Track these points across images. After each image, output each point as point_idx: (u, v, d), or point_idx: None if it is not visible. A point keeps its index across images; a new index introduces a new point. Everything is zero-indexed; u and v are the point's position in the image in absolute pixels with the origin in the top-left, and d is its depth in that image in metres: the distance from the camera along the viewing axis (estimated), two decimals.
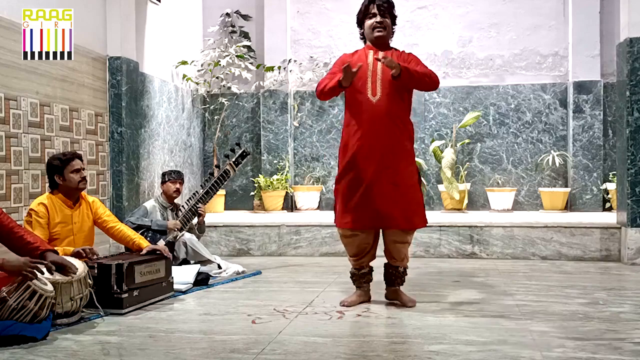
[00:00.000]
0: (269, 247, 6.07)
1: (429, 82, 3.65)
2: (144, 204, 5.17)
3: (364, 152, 3.61)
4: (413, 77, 3.55)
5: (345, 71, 3.49)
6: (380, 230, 3.76)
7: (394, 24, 3.82)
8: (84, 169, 4.04)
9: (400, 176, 3.62)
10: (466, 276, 4.80)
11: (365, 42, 3.85)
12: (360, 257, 3.78)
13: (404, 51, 3.81)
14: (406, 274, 3.83)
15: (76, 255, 3.68)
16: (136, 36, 6.13)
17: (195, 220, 5.10)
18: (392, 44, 3.87)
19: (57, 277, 3.22)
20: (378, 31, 3.72)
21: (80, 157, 4.05)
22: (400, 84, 3.59)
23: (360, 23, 3.84)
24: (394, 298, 3.78)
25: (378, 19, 3.72)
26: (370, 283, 3.86)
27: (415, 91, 3.82)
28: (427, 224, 3.80)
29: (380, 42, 3.74)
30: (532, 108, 7.63)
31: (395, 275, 3.77)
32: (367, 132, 3.60)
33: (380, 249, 3.84)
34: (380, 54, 3.64)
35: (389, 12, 3.76)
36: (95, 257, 3.77)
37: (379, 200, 3.59)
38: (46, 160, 4.15)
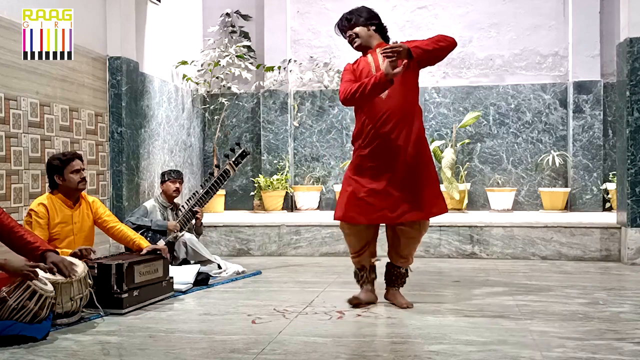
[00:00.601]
0: (269, 247, 6.07)
1: (445, 45, 3.55)
2: (144, 203, 5.17)
3: (383, 148, 3.59)
4: (427, 50, 3.48)
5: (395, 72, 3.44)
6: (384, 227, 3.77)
7: (370, 24, 3.77)
8: (83, 170, 4.03)
9: (422, 165, 3.63)
10: (466, 276, 4.80)
11: None
12: (363, 251, 3.74)
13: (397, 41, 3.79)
14: (407, 276, 3.82)
15: (73, 256, 3.67)
16: (136, 36, 6.13)
17: (193, 222, 5.10)
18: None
19: (58, 277, 3.22)
20: (354, 43, 3.79)
21: (80, 158, 4.04)
22: (417, 65, 3.58)
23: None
24: (392, 299, 3.76)
25: (347, 33, 3.81)
26: (375, 282, 3.84)
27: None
28: (447, 210, 3.78)
29: (364, 51, 3.78)
30: (532, 108, 7.63)
31: (396, 275, 3.77)
32: (383, 129, 3.58)
33: (382, 249, 3.84)
34: (378, 51, 3.66)
35: (355, 21, 3.77)
36: (93, 256, 3.77)
37: (399, 193, 3.58)
38: (46, 160, 4.14)
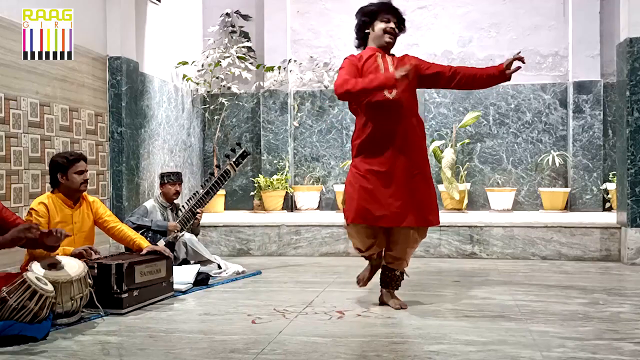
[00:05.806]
0: (269, 247, 6.07)
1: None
2: (144, 203, 5.17)
3: (387, 150, 3.58)
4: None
5: (404, 75, 3.45)
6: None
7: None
8: (86, 171, 4.02)
9: (421, 172, 3.63)
10: (466, 276, 4.80)
11: (359, 44, 3.82)
12: (371, 249, 3.72)
13: (407, 55, 3.80)
14: (402, 278, 3.78)
15: (77, 255, 3.68)
16: (136, 36, 6.13)
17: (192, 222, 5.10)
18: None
19: (58, 275, 3.22)
20: (390, 37, 3.69)
21: (85, 159, 4.01)
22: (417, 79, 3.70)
23: (369, 23, 3.73)
24: (386, 300, 3.73)
25: (392, 25, 3.68)
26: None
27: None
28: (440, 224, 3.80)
29: (388, 49, 3.73)
30: (532, 108, 7.63)
31: (391, 278, 3.73)
32: (389, 129, 3.58)
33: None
34: (388, 58, 3.70)
35: (401, 24, 3.76)
36: (95, 255, 3.77)
37: (402, 197, 3.56)
38: (47, 160, 4.14)
